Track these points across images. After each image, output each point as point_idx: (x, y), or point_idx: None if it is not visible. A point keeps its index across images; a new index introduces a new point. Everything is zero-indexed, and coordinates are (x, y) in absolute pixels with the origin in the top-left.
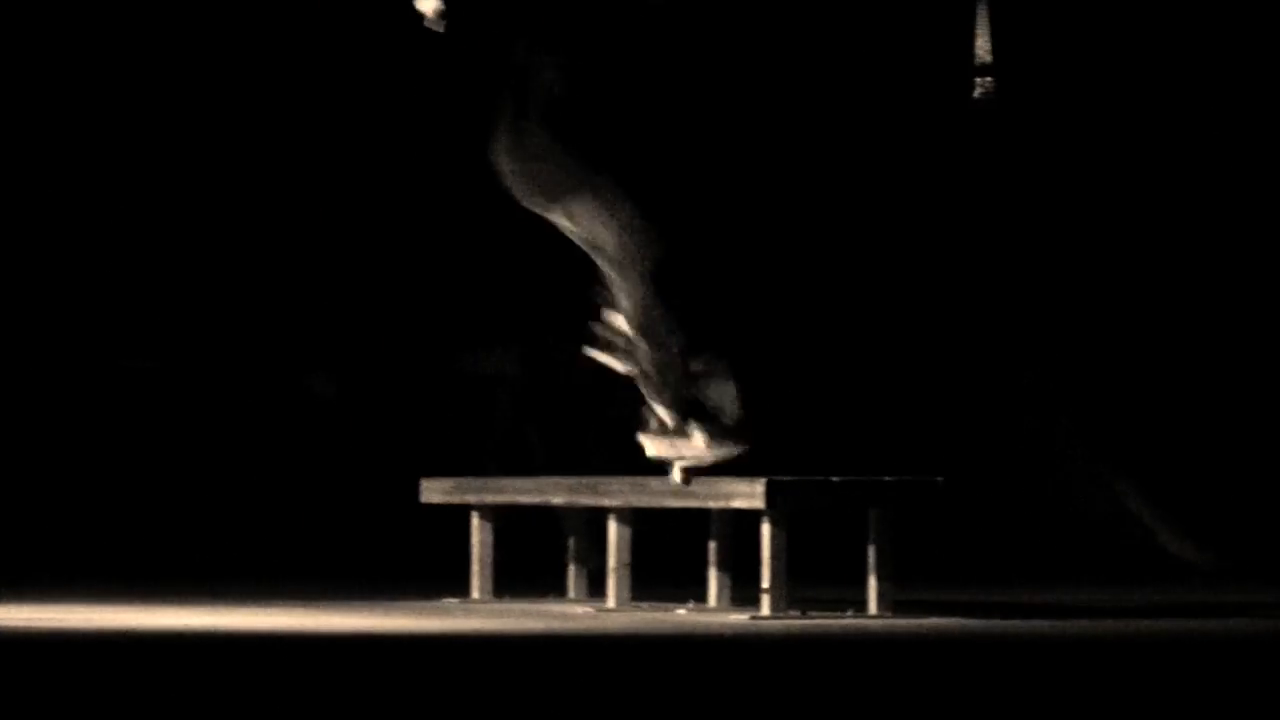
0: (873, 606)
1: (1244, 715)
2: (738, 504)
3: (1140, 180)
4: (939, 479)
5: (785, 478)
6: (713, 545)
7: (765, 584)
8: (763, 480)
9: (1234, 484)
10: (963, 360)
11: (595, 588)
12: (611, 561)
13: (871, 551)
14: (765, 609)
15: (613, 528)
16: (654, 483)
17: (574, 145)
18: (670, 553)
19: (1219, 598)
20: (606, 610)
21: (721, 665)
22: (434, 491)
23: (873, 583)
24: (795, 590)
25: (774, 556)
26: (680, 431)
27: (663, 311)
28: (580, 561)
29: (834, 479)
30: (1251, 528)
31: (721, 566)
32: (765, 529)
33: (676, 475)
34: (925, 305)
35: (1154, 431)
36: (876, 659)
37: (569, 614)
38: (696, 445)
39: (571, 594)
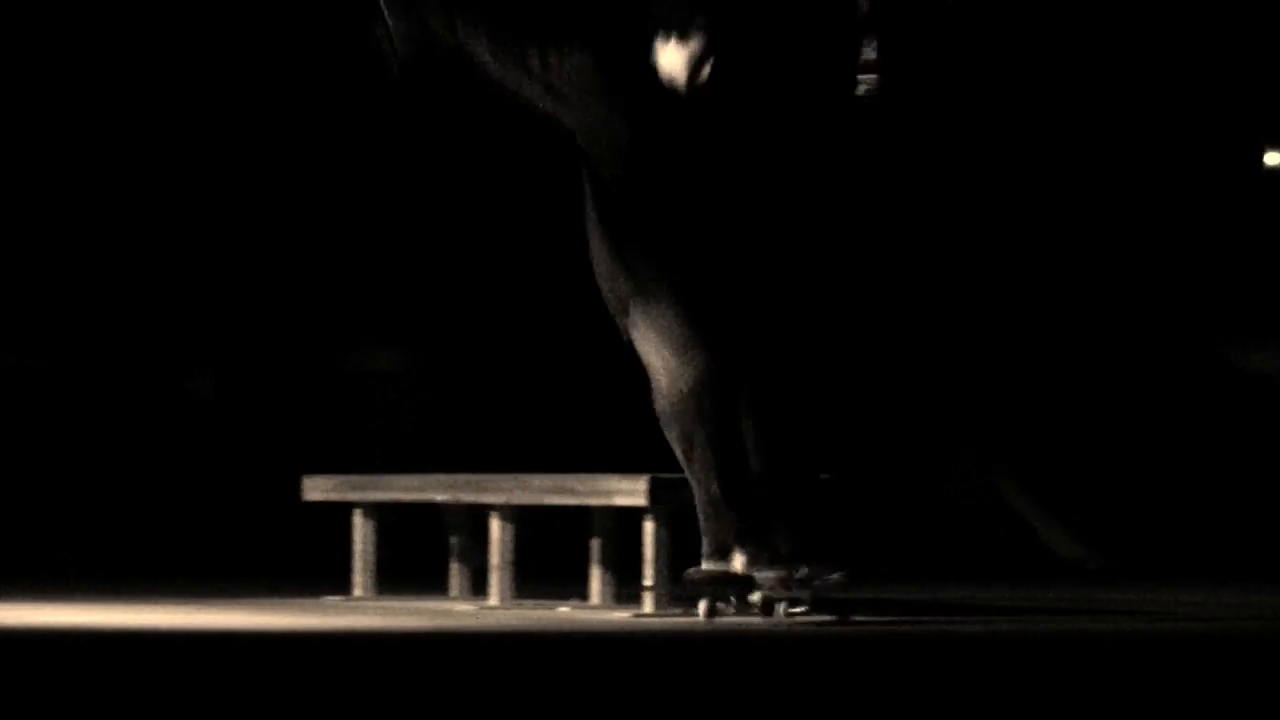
0: (756, 604)
1: (1122, 714)
2: (620, 501)
3: (1019, 180)
4: (824, 476)
5: (666, 475)
6: (595, 542)
7: (648, 581)
8: (645, 478)
9: (1118, 484)
10: (851, 358)
11: (478, 585)
12: (494, 559)
13: None
14: (648, 606)
15: (495, 525)
16: (536, 480)
17: (630, 256)
18: (553, 550)
19: (1103, 596)
20: (489, 608)
21: (604, 662)
22: (316, 489)
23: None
24: (677, 587)
25: (656, 554)
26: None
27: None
28: (463, 559)
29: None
30: (1135, 527)
31: (604, 564)
32: (648, 526)
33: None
34: (811, 302)
35: (1038, 432)
36: (757, 654)
37: (451, 611)
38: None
39: (454, 591)
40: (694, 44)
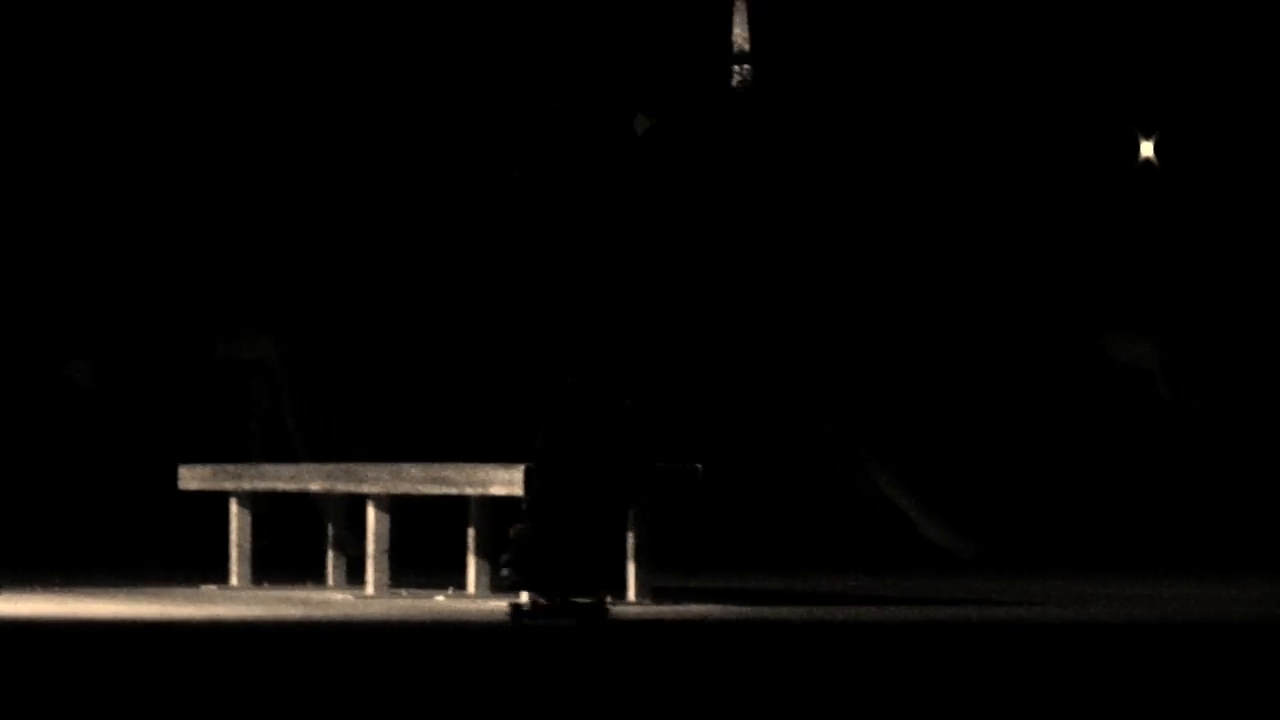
0: (632, 593)
1: (997, 700)
2: (496, 491)
3: (896, 171)
4: (698, 467)
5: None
6: (471, 532)
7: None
8: (521, 468)
9: (992, 474)
10: (723, 350)
11: (354, 574)
12: (370, 548)
13: (630, 538)
14: (524, 596)
15: (371, 514)
16: (412, 470)
17: None
18: (429, 539)
19: (979, 586)
20: (365, 596)
21: (480, 650)
22: (192, 478)
23: (631, 569)
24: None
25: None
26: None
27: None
28: (339, 548)
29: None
30: (1009, 517)
31: (480, 553)
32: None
33: None
34: (685, 296)
35: (913, 423)
36: (634, 645)
37: (328, 600)
38: None
39: (330, 581)
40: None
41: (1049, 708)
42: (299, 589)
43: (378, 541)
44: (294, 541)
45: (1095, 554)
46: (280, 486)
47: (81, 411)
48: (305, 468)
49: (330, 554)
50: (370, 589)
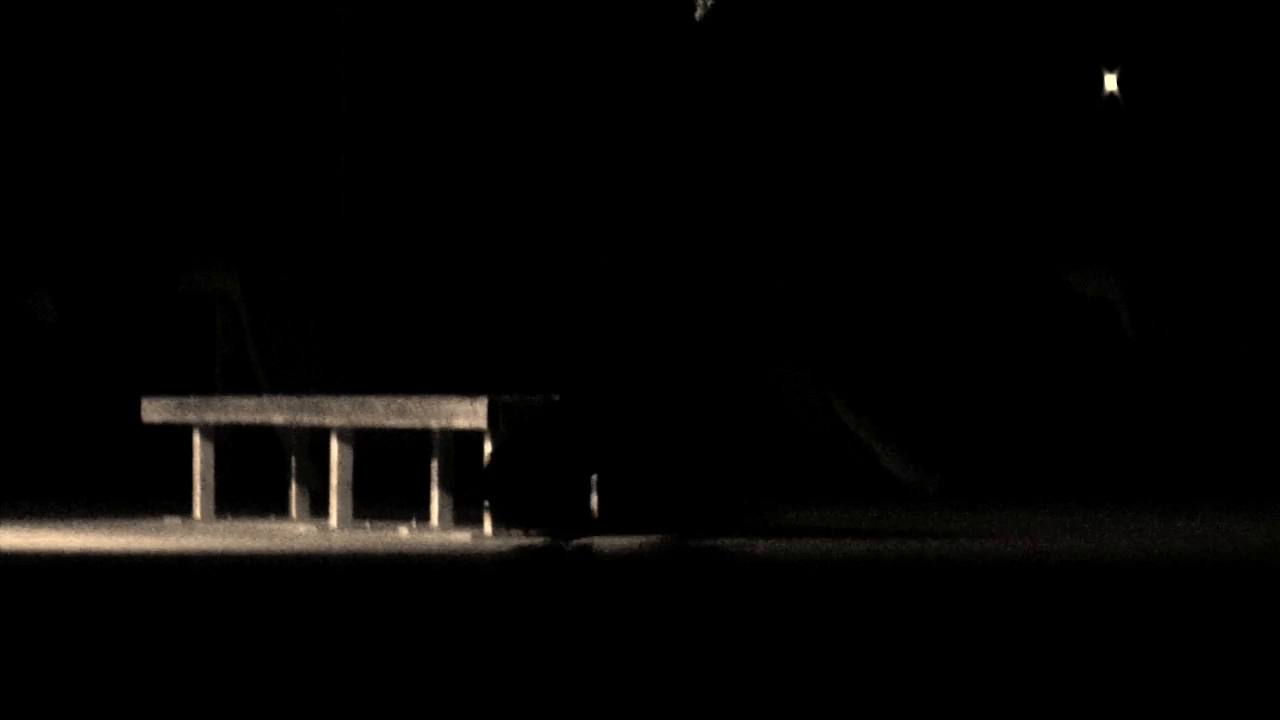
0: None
1: (960, 634)
2: (460, 423)
3: (855, 105)
4: (660, 396)
5: (507, 396)
6: (435, 465)
7: (488, 503)
8: (484, 400)
9: (954, 407)
10: (681, 280)
11: (318, 507)
12: (333, 480)
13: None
14: (488, 528)
15: (335, 447)
16: (376, 402)
17: None
18: (393, 472)
19: (942, 519)
20: (329, 529)
21: (444, 583)
22: (155, 411)
23: (594, 501)
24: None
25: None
26: None
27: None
28: (302, 481)
29: (556, 397)
30: (972, 450)
31: (444, 486)
32: (488, 448)
33: None
34: (632, 225)
35: (875, 355)
36: (595, 575)
37: (291, 533)
38: None
39: (294, 513)
40: None
41: (1011, 641)
42: (262, 521)
43: (340, 474)
44: (257, 474)
45: (1059, 487)
46: (243, 419)
47: (44, 344)
48: (268, 400)
49: (293, 486)
50: (334, 521)
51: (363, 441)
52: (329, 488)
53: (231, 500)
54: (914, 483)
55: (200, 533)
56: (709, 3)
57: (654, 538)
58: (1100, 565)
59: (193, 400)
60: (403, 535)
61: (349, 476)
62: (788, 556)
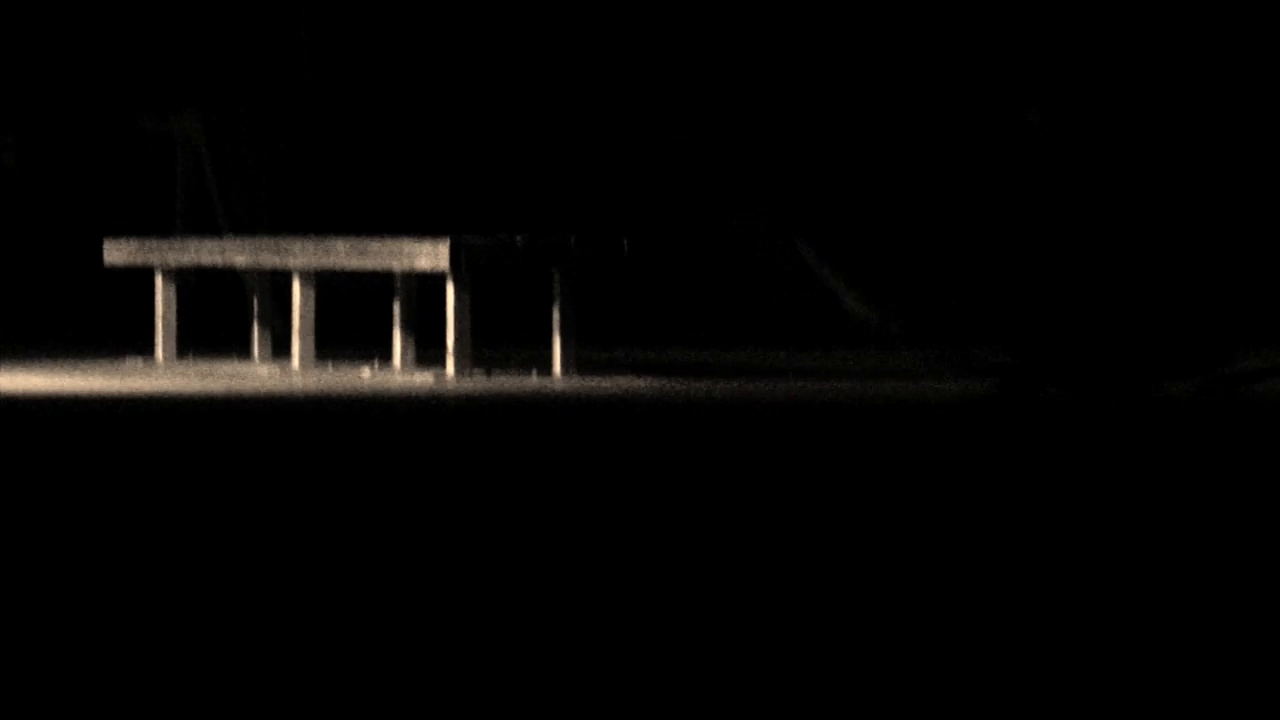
0: (557, 368)
1: (922, 474)
2: (421, 265)
3: None
4: (623, 240)
5: (470, 238)
6: (397, 306)
7: (450, 345)
8: (446, 241)
9: (919, 247)
10: (649, 119)
11: (280, 349)
12: (295, 323)
13: (556, 312)
14: (450, 370)
15: (297, 288)
16: (338, 244)
17: None
18: (354, 314)
19: (900, 362)
20: (291, 371)
21: (407, 425)
22: (117, 252)
23: (557, 343)
24: (480, 351)
25: (458, 318)
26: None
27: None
28: (264, 322)
29: (517, 239)
30: (936, 293)
31: (406, 328)
32: (450, 290)
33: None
34: (618, 71)
35: (835, 194)
36: (560, 419)
37: (253, 374)
38: None
39: (256, 355)
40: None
41: (971, 482)
42: (224, 363)
43: (303, 315)
44: (219, 316)
45: (1019, 329)
46: (205, 260)
47: (5, 186)
48: (230, 242)
49: (255, 328)
50: (295, 363)
51: (325, 283)
52: (290, 329)
53: (193, 342)
54: (874, 325)
55: (162, 374)
56: None
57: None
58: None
59: (154, 242)
60: (365, 376)
61: (311, 318)
62: (753, 396)
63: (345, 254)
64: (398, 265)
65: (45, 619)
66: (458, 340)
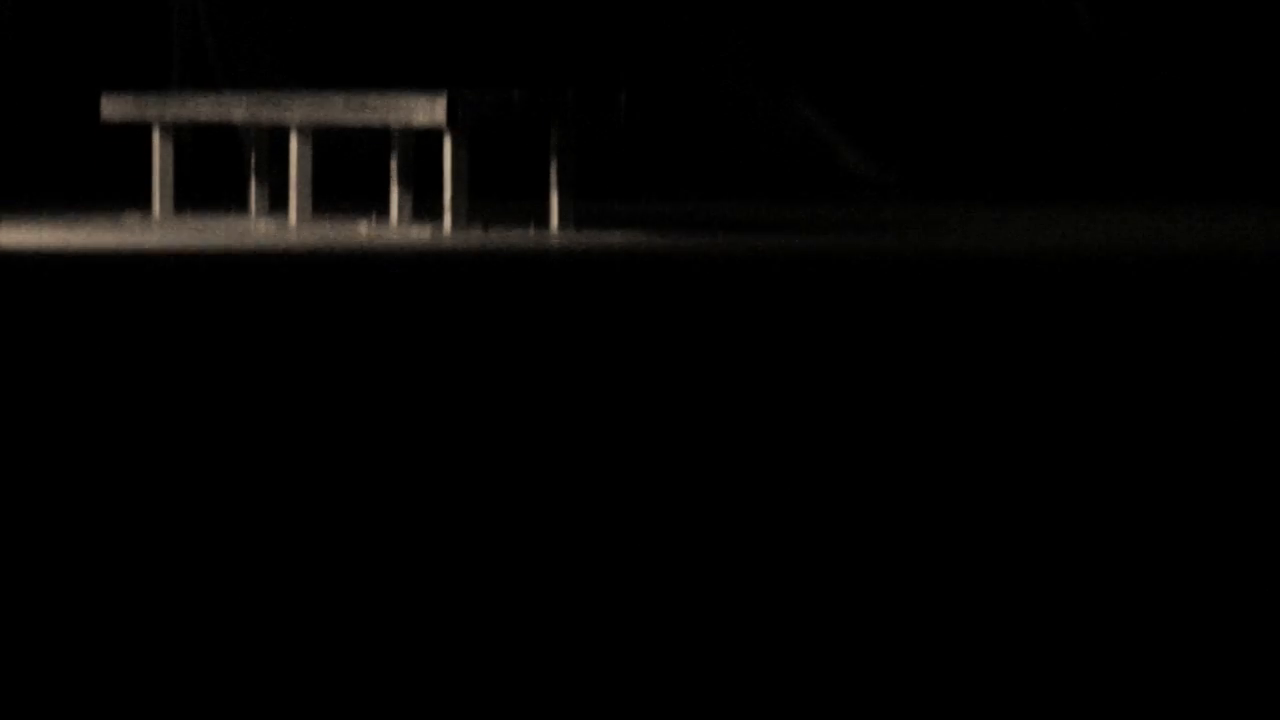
0: (554, 222)
1: (909, 329)
2: (419, 120)
3: None
4: (620, 94)
5: (467, 92)
6: (394, 161)
7: (447, 200)
8: (443, 95)
9: (915, 99)
10: None
11: (277, 204)
12: (292, 177)
13: (553, 166)
14: (447, 225)
15: (294, 144)
16: (336, 99)
17: None
18: (352, 169)
19: (898, 214)
20: (288, 226)
21: (405, 280)
22: (114, 108)
23: (554, 198)
24: (477, 206)
25: (455, 172)
26: None
27: None
28: (261, 177)
29: (514, 93)
30: (932, 144)
31: (403, 183)
32: (447, 145)
33: None
34: None
35: (836, 49)
36: (557, 273)
37: (250, 229)
38: None
39: (253, 210)
40: None
41: (965, 339)
42: (221, 218)
43: (300, 170)
44: (217, 171)
45: (1031, 184)
46: (203, 116)
47: (2, 42)
48: (228, 97)
49: (252, 183)
50: (293, 218)
51: (322, 139)
52: (288, 184)
53: (191, 197)
54: (871, 177)
55: (159, 229)
56: None
57: None
58: (1053, 260)
59: (152, 97)
60: (362, 231)
61: (308, 173)
62: (753, 250)
63: (343, 109)
64: (395, 120)
65: (37, 479)
66: (455, 195)
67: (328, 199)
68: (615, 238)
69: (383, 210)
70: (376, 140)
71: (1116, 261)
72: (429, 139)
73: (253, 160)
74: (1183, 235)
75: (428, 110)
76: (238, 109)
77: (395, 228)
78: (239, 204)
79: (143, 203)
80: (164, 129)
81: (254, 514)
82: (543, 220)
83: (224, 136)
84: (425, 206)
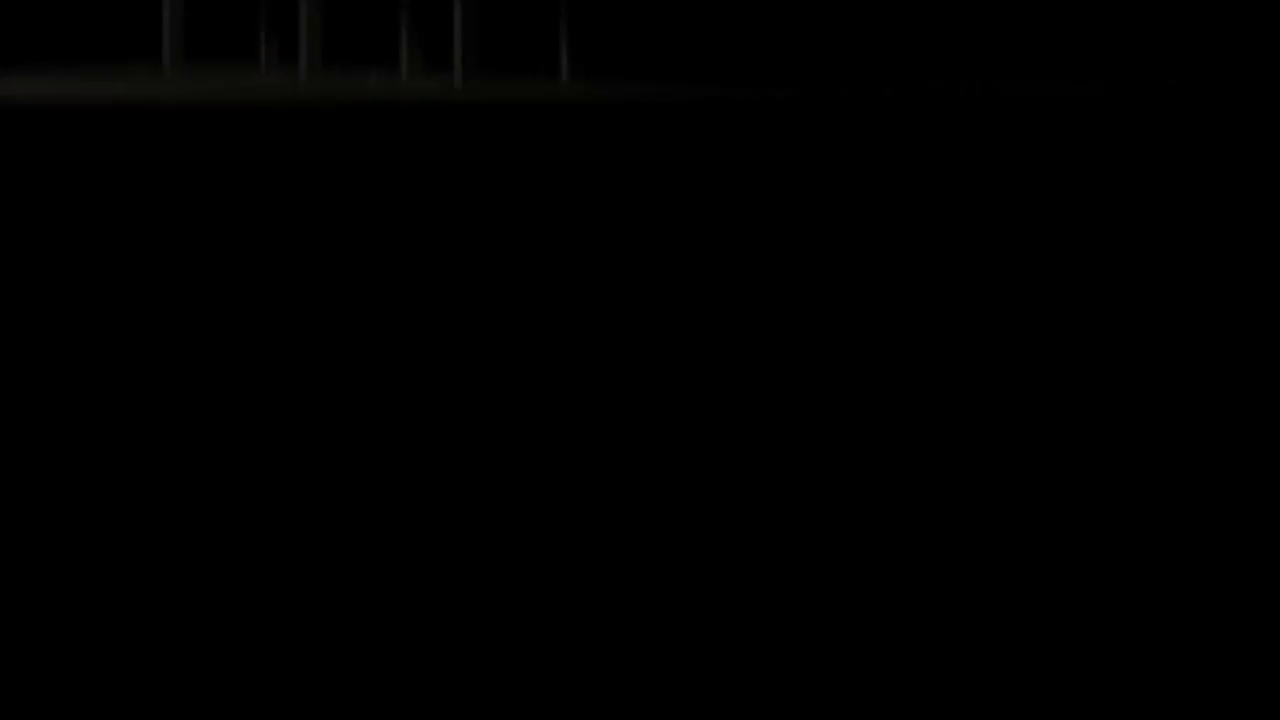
0: (564, 72)
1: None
2: None
3: None
4: None
5: None
6: (403, 15)
7: (457, 52)
8: None
9: None
10: None
11: (286, 55)
12: (302, 28)
13: (562, 24)
14: (457, 78)
15: None
16: None
17: None
18: (362, 21)
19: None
20: (297, 77)
21: (416, 130)
22: None
23: (564, 49)
24: (485, 58)
25: (465, 25)
26: None
27: None
28: (270, 29)
29: None
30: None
31: (411, 35)
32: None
33: None
34: None
35: None
36: (568, 121)
37: (260, 81)
38: None
39: (262, 62)
40: None
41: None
42: (231, 68)
43: (310, 22)
44: (227, 21)
45: None
46: None
47: None
48: None
49: (261, 35)
50: (302, 70)
51: None
52: (299, 37)
53: (200, 48)
54: None
55: (168, 80)
56: None
57: None
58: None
59: None
60: (371, 84)
61: (319, 25)
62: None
63: None
64: None
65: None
66: (465, 47)
67: (338, 52)
68: (622, 87)
69: (393, 63)
70: None
71: None
72: None
73: (262, 12)
74: None
75: None
76: None
77: (405, 80)
78: (250, 57)
79: (151, 53)
80: None
81: (250, 379)
82: (553, 72)
83: None
84: (435, 59)
